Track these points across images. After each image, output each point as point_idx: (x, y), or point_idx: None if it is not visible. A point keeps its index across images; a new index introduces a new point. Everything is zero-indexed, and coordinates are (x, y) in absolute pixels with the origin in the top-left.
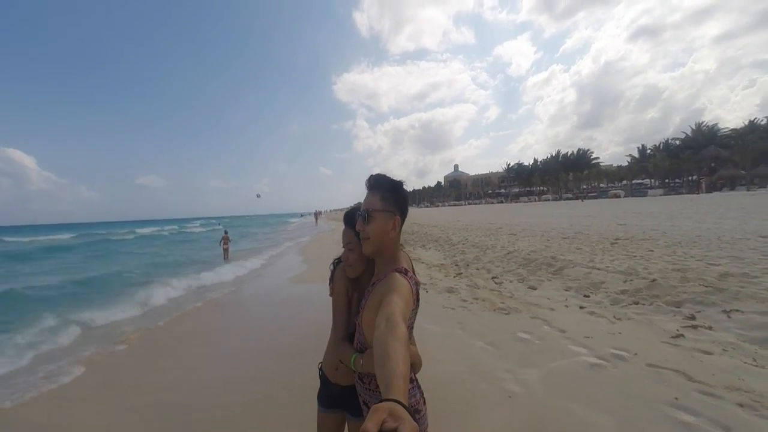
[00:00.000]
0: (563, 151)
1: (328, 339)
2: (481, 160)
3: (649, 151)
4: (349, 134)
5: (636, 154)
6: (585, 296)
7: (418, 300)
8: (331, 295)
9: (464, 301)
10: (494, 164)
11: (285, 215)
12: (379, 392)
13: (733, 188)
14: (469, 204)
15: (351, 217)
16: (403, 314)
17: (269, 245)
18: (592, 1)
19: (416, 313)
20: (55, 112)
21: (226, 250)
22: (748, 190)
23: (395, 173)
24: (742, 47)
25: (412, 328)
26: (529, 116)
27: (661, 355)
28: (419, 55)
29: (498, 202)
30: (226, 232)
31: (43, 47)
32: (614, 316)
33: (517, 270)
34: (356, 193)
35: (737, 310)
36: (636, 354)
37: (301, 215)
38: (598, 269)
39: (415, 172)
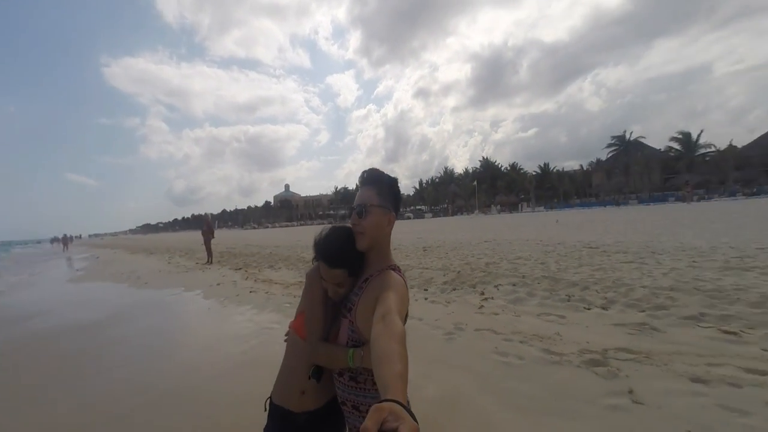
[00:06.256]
0: None
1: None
2: (312, 181)
3: (424, 185)
4: (134, 135)
5: (417, 186)
6: (425, 290)
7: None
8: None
9: None
10: (325, 186)
11: None
12: (375, 391)
13: (462, 213)
14: (300, 225)
15: (327, 250)
16: (400, 312)
17: None
18: (394, 58)
19: (408, 309)
20: None
21: None
22: (470, 215)
23: (212, 189)
24: (463, 118)
25: (404, 322)
26: (353, 146)
27: (478, 321)
28: (250, 64)
29: (328, 224)
30: None
31: None
32: (446, 301)
33: None
34: (146, 212)
35: (500, 284)
36: (467, 324)
37: None
38: (427, 269)
39: (239, 189)
